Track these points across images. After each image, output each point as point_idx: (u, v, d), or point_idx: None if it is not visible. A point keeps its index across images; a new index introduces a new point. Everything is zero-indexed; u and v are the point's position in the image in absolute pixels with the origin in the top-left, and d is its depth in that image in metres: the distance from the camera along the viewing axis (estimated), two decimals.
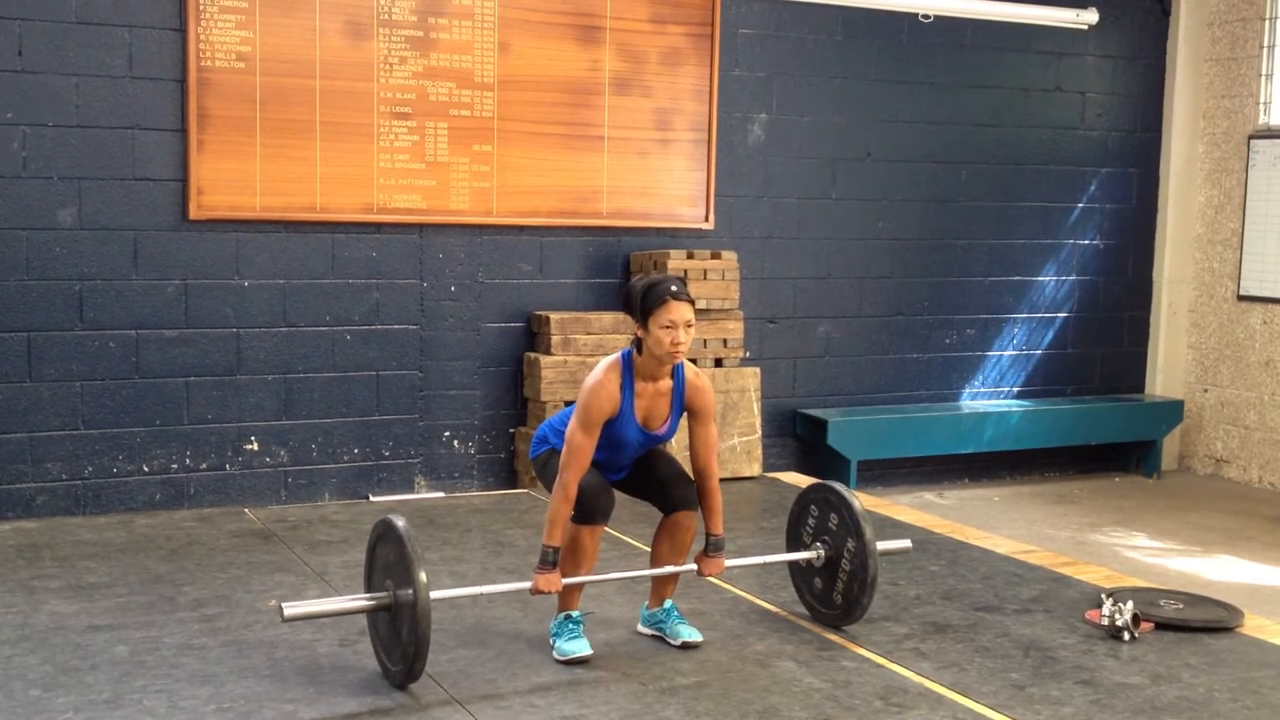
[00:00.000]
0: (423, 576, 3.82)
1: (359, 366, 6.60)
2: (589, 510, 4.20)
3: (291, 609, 3.90)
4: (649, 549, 5.51)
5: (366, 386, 6.62)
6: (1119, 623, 4.57)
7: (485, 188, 6.75)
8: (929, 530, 6.15)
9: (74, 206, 6.04)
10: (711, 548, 4.39)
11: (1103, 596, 4.79)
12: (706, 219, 7.30)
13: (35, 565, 5.26)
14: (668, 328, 4.10)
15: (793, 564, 4.76)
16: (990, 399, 8.25)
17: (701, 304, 7.00)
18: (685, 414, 4.32)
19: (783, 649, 4.42)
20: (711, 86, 7.22)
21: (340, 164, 6.45)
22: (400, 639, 3.91)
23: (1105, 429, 8.30)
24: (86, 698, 3.87)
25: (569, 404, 4.91)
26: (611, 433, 4.19)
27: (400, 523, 3.96)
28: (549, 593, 4.15)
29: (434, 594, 3.92)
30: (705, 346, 7.07)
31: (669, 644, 4.42)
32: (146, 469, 6.24)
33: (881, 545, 4.57)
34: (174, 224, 6.21)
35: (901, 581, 5.27)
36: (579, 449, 4.11)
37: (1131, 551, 6.63)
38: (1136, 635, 4.57)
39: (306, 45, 6.34)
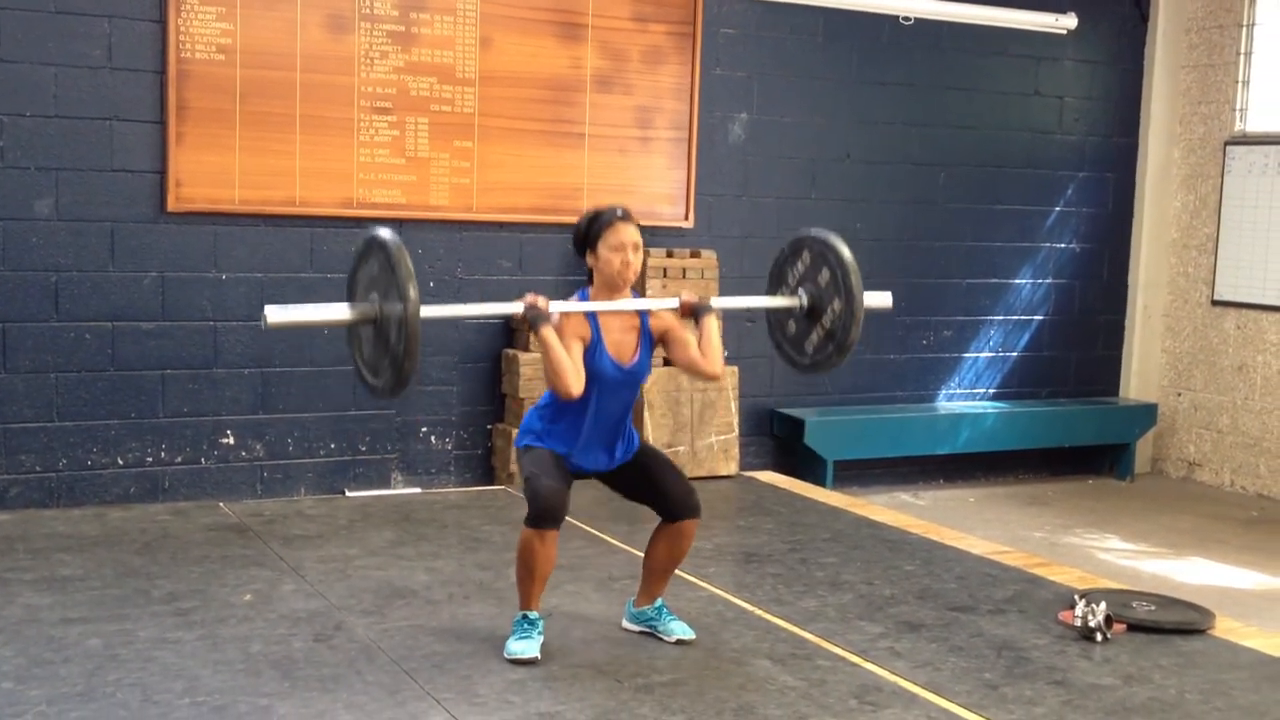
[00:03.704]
0: (412, 292, 3.74)
1: (336, 361, 6.57)
2: (542, 511, 4.11)
3: (276, 316, 3.82)
4: (626, 547, 5.53)
5: (343, 381, 6.59)
6: (1091, 624, 4.60)
7: (465, 184, 6.75)
8: (904, 530, 6.17)
9: (51, 197, 6.00)
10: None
11: (1076, 598, 4.82)
12: (686, 218, 7.31)
13: (8, 557, 5.23)
14: (617, 249, 4.16)
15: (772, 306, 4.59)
16: (966, 400, 8.28)
17: None
18: (659, 345, 4.31)
19: (758, 647, 4.43)
20: (692, 85, 7.23)
21: (320, 158, 6.43)
22: (389, 344, 3.82)
23: (1079, 431, 8.35)
24: (59, 690, 3.85)
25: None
26: (588, 368, 4.13)
27: (387, 234, 3.88)
28: (542, 310, 4.06)
29: (423, 311, 3.79)
30: None
31: (647, 641, 4.42)
32: (121, 462, 6.21)
33: (865, 300, 4.35)
34: (152, 216, 6.18)
35: (876, 581, 5.29)
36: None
37: (1104, 553, 6.67)
38: (1109, 636, 4.60)
39: (287, 38, 6.32)
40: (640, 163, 7.14)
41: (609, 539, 5.72)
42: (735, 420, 7.21)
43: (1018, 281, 8.37)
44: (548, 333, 4.05)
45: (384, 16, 6.50)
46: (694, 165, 7.28)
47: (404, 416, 6.73)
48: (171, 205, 6.18)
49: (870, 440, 7.67)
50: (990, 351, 8.34)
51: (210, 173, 6.22)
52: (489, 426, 6.93)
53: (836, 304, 4.38)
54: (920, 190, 8.01)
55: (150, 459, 6.25)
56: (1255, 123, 8.22)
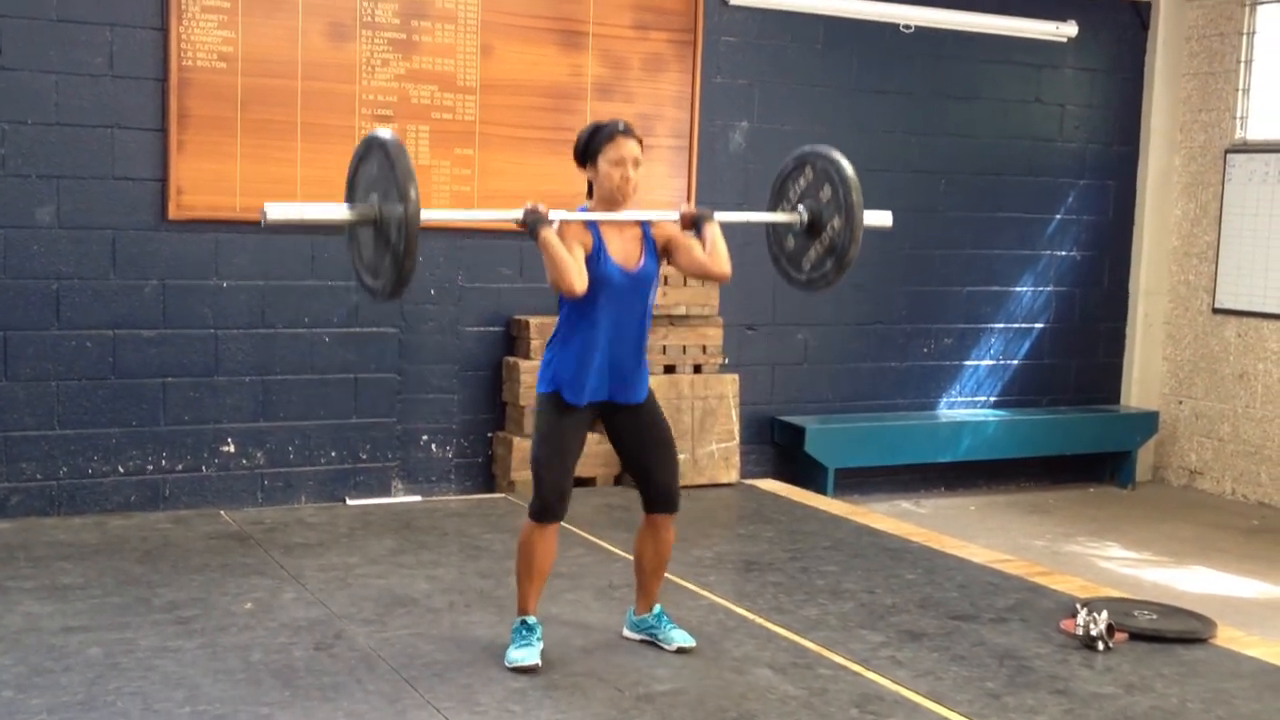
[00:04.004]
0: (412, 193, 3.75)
1: (337, 369, 6.58)
2: (542, 507, 4.15)
3: (275, 213, 3.80)
4: (626, 555, 5.52)
5: (344, 389, 6.60)
6: (1093, 633, 4.59)
7: (466, 191, 6.75)
8: (905, 539, 6.17)
9: (52, 205, 6.00)
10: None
11: (1077, 606, 4.81)
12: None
13: (9, 566, 5.22)
14: (616, 164, 4.16)
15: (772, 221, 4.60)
16: (967, 408, 8.28)
17: (680, 310, 7.03)
18: (664, 256, 4.29)
19: (759, 656, 4.43)
20: (693, 93, 7.23)
21: (321, 165, 6.43)
22: (389, 242, 3.80)
23: (1080, 439, 8.34)
24: (60, 699, 3.85)
25: None
26: (594, 274, 4.11)
27: (387, 134, 3.90)
28: (542, 214, 4.06)
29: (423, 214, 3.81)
30: (684, 353, 7.08)
31: (647, 650, 4.42)
32: (122, 470, 6.20)
33: (865, 219, 4.39)
34: (153, 224, 6.18)
35: (878, 589, 5.28)
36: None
37: (1106, 562, 6.67)
38: (1111, 645, 4.59)
39: (288, 46, 6.32)
40: (641, 171, 7.10)
41: (609, 546, 5.72)
42: (736, 428, 7.20)
43: (1018, 289, 8.36)
44: (548, 233, 4.05)
45: (385, 24, 6.51)
46: (694, 173, 7.28)
47: (405, 425, 6.73)
48: (173, 213, 6.18)
49: (871, 448, 7.67)
50: (991, 359, 8.34)
51: (211, 180, 6.23)
52: (489, 434, 6.92)
53: (837, 221, 4.39)
54: (921, 198, 8.00)
55: (151, 467, 6.25)
56: (1256, 131, 8.22)
